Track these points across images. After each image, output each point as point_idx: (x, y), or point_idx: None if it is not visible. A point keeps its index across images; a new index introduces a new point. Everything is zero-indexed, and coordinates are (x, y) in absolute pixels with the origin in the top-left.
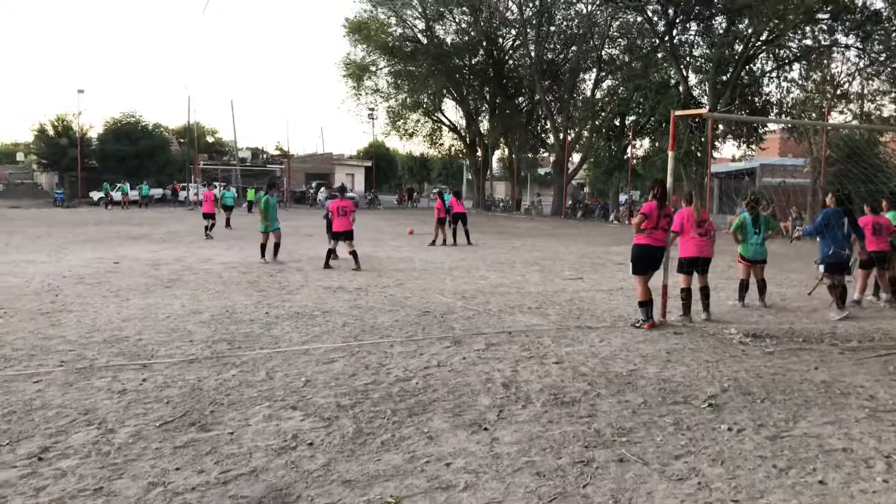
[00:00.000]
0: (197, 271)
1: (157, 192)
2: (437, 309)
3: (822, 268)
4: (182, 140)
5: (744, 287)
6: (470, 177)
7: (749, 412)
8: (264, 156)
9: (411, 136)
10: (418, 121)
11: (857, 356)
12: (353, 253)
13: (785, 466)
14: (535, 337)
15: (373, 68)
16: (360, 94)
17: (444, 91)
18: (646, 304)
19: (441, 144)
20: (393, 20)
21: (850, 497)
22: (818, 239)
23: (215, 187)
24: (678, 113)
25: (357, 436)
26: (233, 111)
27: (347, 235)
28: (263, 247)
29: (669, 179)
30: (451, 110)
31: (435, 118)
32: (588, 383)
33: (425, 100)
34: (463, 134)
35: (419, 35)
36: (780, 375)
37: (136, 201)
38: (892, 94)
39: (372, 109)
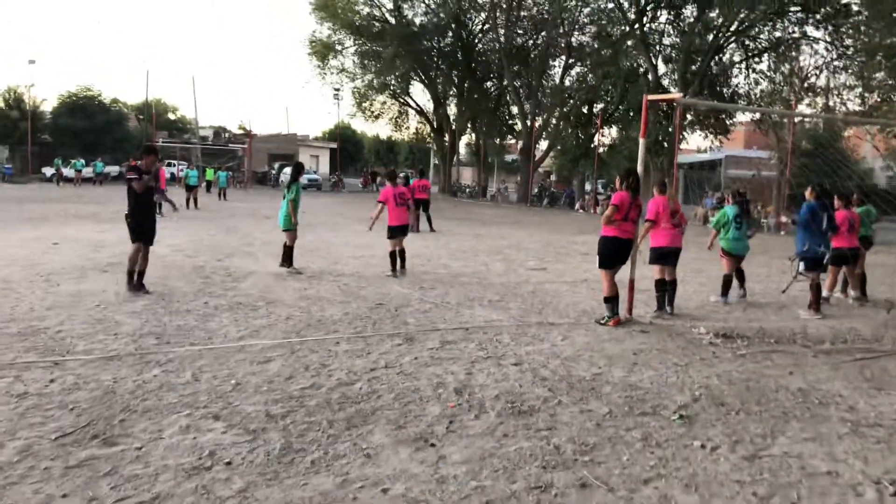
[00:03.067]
0: None
1: (112, 169)
2: (392, 301)
3: (801, 265)
4: (141, 117)
5: (729, 283)
6: (437, 161)
7: (723, 426)
8: (227, 135)
9: (377, 118)
10: (384, 103)
11: (831, 359)
12: (401, 252)
13: (766, 494)
14: (493, 334)
15: (339, 47)
16: (326, 74)
17: (412, 73)
18: (611, 300)
19: (407, 128)
20: None
21: None
22: (797, 233)
23: (171, 165)
24: (651, 97)
25: (284, 453)
26: (194, 88)
27: (405, 231)
28: (290, 251)
29: (640, 168)
30: (419, 93)
31: (402, 101)
32: (548, 389)
33: (392, 81)
34: (430, 118)
35: (387, 15)
36: (754, 382)
37: (90, 178)
38: (858, 90)
39: (337, 90)
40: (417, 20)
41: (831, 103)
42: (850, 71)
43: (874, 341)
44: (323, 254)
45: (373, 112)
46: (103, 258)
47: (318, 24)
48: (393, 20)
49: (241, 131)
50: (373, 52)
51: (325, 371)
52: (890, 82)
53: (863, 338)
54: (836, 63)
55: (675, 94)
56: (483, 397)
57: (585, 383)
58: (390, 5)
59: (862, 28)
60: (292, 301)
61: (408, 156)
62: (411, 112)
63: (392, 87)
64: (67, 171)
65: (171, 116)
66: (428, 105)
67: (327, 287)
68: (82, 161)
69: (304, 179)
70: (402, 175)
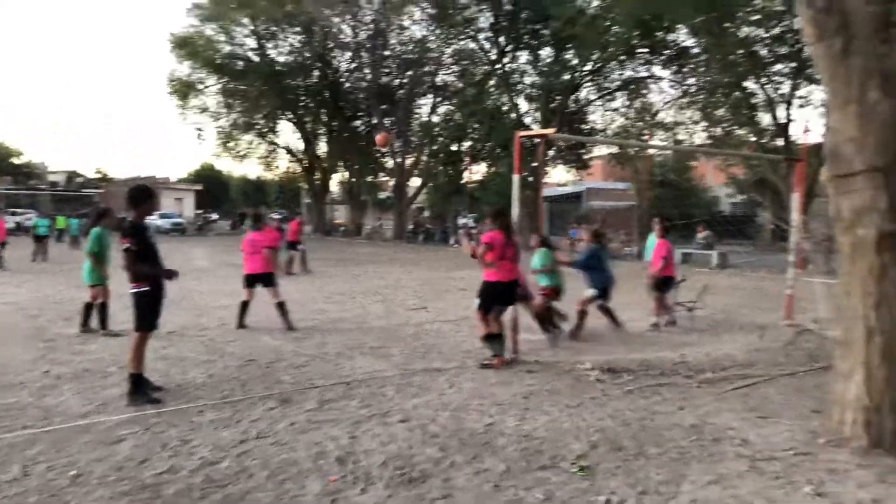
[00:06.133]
0: None
1: None
2: (264, 356)
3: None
4: None
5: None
6: (309, 200)
7: (624, 474)
8: (80, 179)
9: (244, 158)
10: (251, 142)
11: (715, 389)
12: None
13: None
14: (377, 387)
15: (200, 86)
16: (187, 114)
17: (279, 112)
18: (493, 339)
19: (277, 167)
20: (222, 37)
21: None
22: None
23: (16, 214)
24: (522, 133)
25: None
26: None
27: (261, 280)
28: (90, 308)
29: (515, 203)
30: (288, 132)
31: (269, 140)
32: (440, 448)
33: (259, 121)
34: (300, 157)
35: (250, 54)
36: (648, 421)
37: None
38: (704, 124)
39: (200, 130)
40: (282, 59)
41: (680, 137)
42: (694, 107)
43: (749, 366)
44: (186, 305)
45: (238, 152)
46: None
47: (178, 63)
48: (257, 59)
49: (98, 175)
50: (237, 90)
51: (187, 449)
52: (730, 117)
53: (738, 363)
54: (681, 100)
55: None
56: (369, 465)
57: (478, 437)
58: (253, 44)
59: (701, 68)
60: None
61: (278, 195)
62: (281, 151)
63: (258, 127)
64: None
65: (16, 161)
66: (298, 144)
67: (190, 344)
68: None
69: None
70: (277, 216)
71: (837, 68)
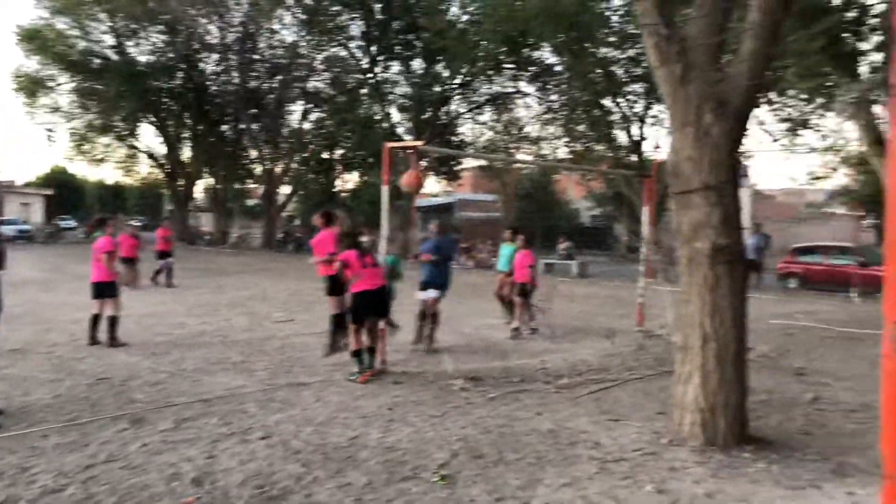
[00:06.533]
0: None
1: None
2: (118, 374)
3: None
4: None
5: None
6: (171, 207)
7: (484, 481)
8: None
9: (101, 161)
10: (109, 145)
11: (572, 394)
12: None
13: None
14: (237, 404)
15: (51, 83)
16: (35, 113)
17: (140, 114)
18: (360, 354)
19: (137, 172)
20: (76, 32)
21: None
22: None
23: None
24: (391, 145)
25: None
26: None
27: (108, 289)
28: None
29: (384, 213)
30: (150, 136)
31: (129, 143)
32: (302, 464)
33: (118, 123)
34: (162, 161)
35: (108, 52)
36: (508, 427)
37: None
38: (565, 139)
39: (50, 130)
40: (143, 58)
41: (545, 151)
42: (557, 123)
43: (603, 371)
44: (31, 320)
45: (94, 156)
46: None
47: (25, 58)
48: (116, 57)
49: None
50: (93, 90)
51: (26, 477)
52: (589, 133)
53: (593, 368)
54: (545, 116)
55: (415, 141)
56: (227, 485)
57: (342, 451)
58: (112, 41)
59: (563, 86)
60: None
61: (138, 201)
62: (142, 155)
63: (117, 129)
64: None
65: None
66: (160, 148)
67: (35, 362)
68: None
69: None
70: (137, 223)
71: (677, 92)
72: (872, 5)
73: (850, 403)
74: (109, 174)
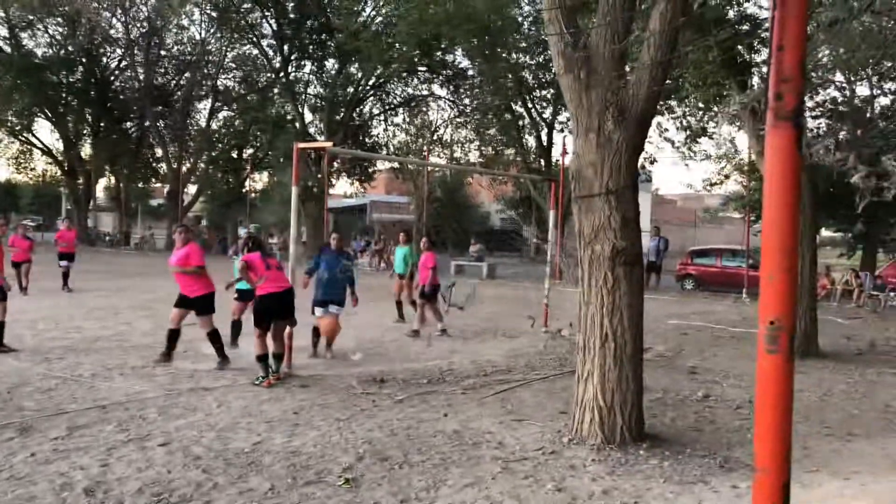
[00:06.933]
0: None
1: None
2: (5, 380)
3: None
4: None
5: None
6: (70, 207)
7: (388, 484)
8: None
9: None
10: (1, 141)
11: (477, 395)
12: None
13: None
14: (136, 410)
15: None
16: None
17: (36, 109)
18: (264, 358)
19: (33, 169)
20: None
21: None
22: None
23: None
24: (302, 145)
25: None
26: None
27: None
28: None
29: (293, 215)
30: (46, 131)
31: (23, 139)
32: (203, 470)
33: (11, 117)
34: (60, 159)
35: (1, 43)
36: (414, 429)
37: None
38: (477, 143)
39: None
40: (40, 51)
41: (457, 154)
42: (469, 126)
43: (508, 371)
44: None
45: None
46: None
47: None
48: (9, 49)
49: None
50: None
51: None
52: (500, 137)
53: (499, 369)
54: (458, 119)
55: (325, 142)
56: (122, 494)
57: (244, 457)
58: (5, 32)
59: (476, 90)
60: None
61: (33, 199)
62: (38, 152)
63: (10, 124)
64: None
65: None
66: (57, 144)
67: None
68: None
69: None
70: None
71: (581, 99)
72: (765, 19)
73: (737, 400)
74: (0, 171)
